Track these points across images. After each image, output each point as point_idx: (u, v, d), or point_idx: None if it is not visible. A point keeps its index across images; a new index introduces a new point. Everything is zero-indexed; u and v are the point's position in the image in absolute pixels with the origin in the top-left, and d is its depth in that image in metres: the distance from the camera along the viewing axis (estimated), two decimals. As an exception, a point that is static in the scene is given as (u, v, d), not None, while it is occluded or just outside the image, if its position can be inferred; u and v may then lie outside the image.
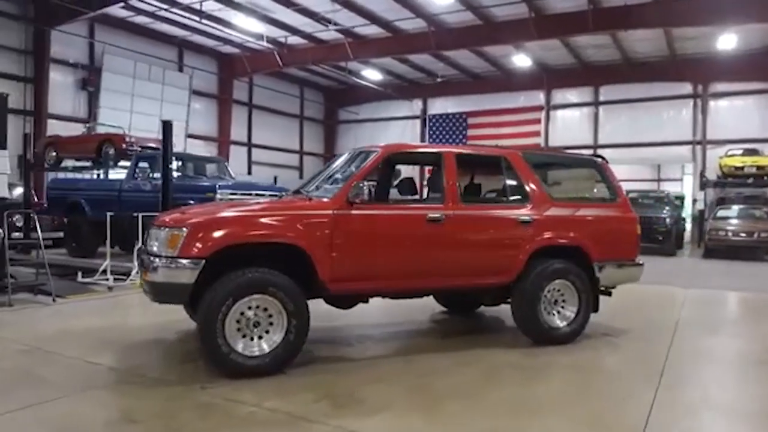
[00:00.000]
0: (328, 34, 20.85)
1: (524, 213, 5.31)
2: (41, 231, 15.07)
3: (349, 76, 24.49)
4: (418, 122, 28.76)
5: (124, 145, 13.89)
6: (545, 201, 5.44)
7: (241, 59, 23.60)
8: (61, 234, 13.25)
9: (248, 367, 4.17)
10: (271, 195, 9.84)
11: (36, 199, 16.14)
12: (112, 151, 14.39)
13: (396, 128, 29.04)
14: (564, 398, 3.99)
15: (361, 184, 4.53)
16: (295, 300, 4.29)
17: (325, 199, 4.64)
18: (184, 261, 4.07)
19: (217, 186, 10.23)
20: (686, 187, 25.31)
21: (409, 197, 5.74)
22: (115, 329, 5.62)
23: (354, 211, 4.60)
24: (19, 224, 12.45)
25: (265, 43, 20.80)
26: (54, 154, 16.91)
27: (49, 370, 4.36)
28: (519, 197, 5.42)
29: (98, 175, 15.75)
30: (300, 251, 4.37)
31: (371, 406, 3.73)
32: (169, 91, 22.21)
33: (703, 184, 19.40)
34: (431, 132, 28.09)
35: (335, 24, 19.23)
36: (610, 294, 5.99)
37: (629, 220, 5.87)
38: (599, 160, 6.01)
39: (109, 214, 9.08)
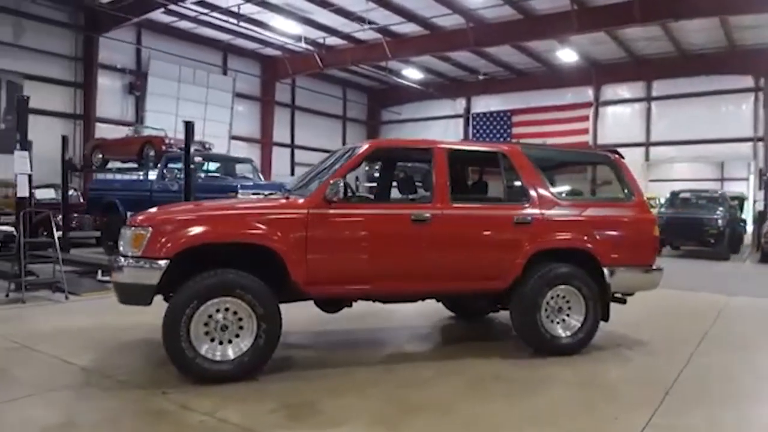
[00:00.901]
0: (366, 34, 20.75)
1: (523, 213, 4.93)
2: (84, 230, 15.75)
3: (389, 75, 24.31)
4: (461, 121, 28.27)
5: (163, 147, 14.25)
6: (548, 200, 5.04)
7: (283, 61, 23.86)
8: (99, 233, 13.72)
9: (214, 372, 4.01)
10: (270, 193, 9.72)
11: (82, 199, 16.80)
12: (152, 153, 14.76)
13: (438, 128, 28.64)
14: (546, 416, 3.62)
15: (340, 182, 4.31)
16: (264, 303, 4.11)
17: (301, 199, 4.44)
18: (148, 261, 3.96)
19: (239, 186, 10.24)
20: (751, 186, 23.71)
21: (407, 196, 5.46)
22: (108, 329, 5.61)
23: (331, 211, 4.37)
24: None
25: (303, 45, 20.92)
26: (100, 156, 17.62)
27: (24, 368, 4.36)
28: (518, 196, 5.04)
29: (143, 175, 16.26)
30: (271, 252, 4.18)
31: (329, 418, 3.49)
32: (213, 94, 22.69)
33: (765, 184, 18.04)
34: (475, 131, 27.57)
35: (371, 23, 19.09)
36: (624, 302, 5.51)
37: (645, 221, 5.37)
38: (612, 155, 5.53)
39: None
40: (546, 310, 4.98)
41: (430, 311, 6.32)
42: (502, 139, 26.63)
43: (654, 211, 10.13)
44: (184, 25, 20.63)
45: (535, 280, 4.87)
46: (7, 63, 17.42)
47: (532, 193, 5.01)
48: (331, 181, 4.34)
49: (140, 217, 4.21)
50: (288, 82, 25.79)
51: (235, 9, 18.21)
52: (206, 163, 12.03)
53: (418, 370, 4.50)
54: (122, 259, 4.05)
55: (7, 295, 7.11)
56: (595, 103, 24.60)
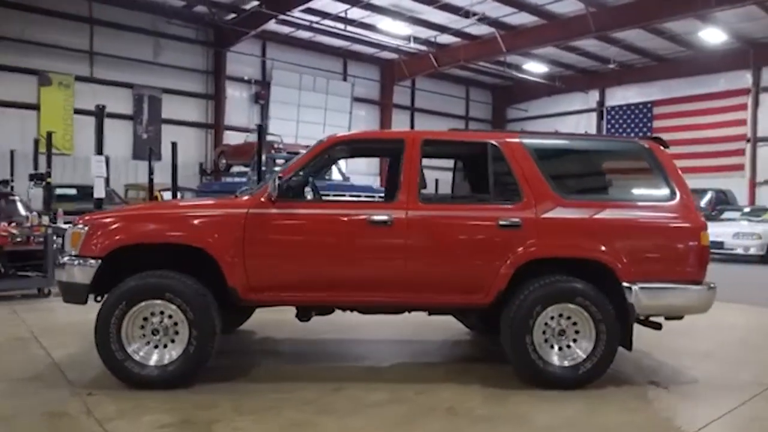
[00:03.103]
0: (479, 29, 19.91)
1: (510, 215, 4.10)
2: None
3: (508, 70, 23.11)
4: (594, 116, 25.98)
5: (272, 151, 15.00)
6: (547, 199, 4.14)
7: (399, 64, 23.84)
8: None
9: (141, 377, 3.85)
10: (367, 196, 9.58)
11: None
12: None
13: (569, 124, 26.59)
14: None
15: (276, 180, 3.92)
16: (195, 309, 3.86)
17: (245, 197, 4.13)
18: (82, 260, 3.92)
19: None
20: None
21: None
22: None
23: (273, 211, 4.00)
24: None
25: (413, 44, 20.71)
26: (224, 161, 19.13)
27: (7, 359, 4.59)
28: (508, 194, 4.21)
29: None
30: (207, 255, 3.93)
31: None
32: (333, 100, 23.41)
33: None
34: (610, 125, 25.16)
35: (481, 17, 18.22)
36: (658, 327, 4.39)
37: (689, 225, 4.19)
38: (648, 144, 4.41)
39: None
40: (545, 332, 4.10)
41: (446, 325, 5.63)
42: (640, 135, 24.00)
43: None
44: (303, 34, 21.50)
45: (523, 296, 4.03)
46: (147, 79, 19.54)
47: (526, 190, 4.15)
48: (275, 179, 3.98)
49: (84, 217, 4.20)
50: (407, 84, 25.72)
51: (342, 15, 18.54)
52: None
53: (368, 393, 3.93)
54: (63, 257, 4.07)
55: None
56: (755, 88, 21.03)
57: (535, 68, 23.67)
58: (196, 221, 3.98)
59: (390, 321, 5.00)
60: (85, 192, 13.56)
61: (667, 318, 4.41)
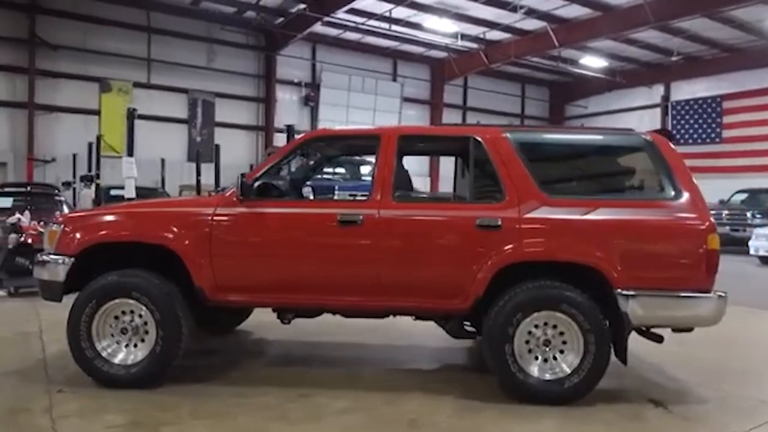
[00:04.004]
0: (529, 23, 19.26)
1: (490, 214, 3.80)
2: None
3: (563, 65, 22.21)
4: (658, 111, 24.54)
5: (312, 153, 15.08)
6: (531, 198, 3.80)
7: (449, 62, 23.46)
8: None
9: (108, 376, 3.85)
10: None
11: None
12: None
13: (631, 120, 25.22)
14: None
15: (254, 178, 3.84)
16: (162, 308, 3.82)
17: (217, 196, 4.06)
18: (56, 258, 3.98)
19: (336, 187, 10.21)
20: None
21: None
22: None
23: (240, 209, 3.91)
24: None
25: (461, 42, 20.29)
26: (272, 163, 19.48)
27: (3, 354, 4.75)
28: (489, 193, 3.92)
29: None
30: (174, 254, 3.88)
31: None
32: (382, 101, 23.34)
33: None
34: (675, 122, 23.73)
35: (530, 10, 17.61)
36: (659, 340, 3.95)
37: (695, 228, 3.74)
38: (651, 137, 3.97)
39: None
40: (529, 342, 3.78)
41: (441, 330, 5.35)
42: (709, 130, 22.50)
43: None
44: (351, 36, 21.58)
45: (502, 303, 3.72)
46: (201, 84, 20.19)
47: (509, 189, 3.83)
48: (244, 177, 3.89)
49: (63, 216, 4.25)
50: (459, 83, 25.28)
51: (387, 14, 18.43)
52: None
53: (334, 400, 3.75)
54: (42, 255, 4.14)
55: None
56: (841, 78, 19.18)
57: (593, 63, 22.65)
58: (163, 220, 3.95)
59: (386, 324, 4.79)
60: (139, 193, 14.18)
61: (674, 330, 3.98)
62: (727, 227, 15.45)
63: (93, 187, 12.49)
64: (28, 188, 12.45)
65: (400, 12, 18.38)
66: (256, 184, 3.91)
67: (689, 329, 3.96)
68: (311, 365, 4.65)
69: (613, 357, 3.75)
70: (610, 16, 17.77)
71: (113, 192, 14.80)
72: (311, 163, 5.17)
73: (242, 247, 3.91)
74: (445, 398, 3.82)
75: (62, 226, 4.03)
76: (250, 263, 3.91)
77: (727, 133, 22.06)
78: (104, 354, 3.89)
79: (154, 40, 19.35)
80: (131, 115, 8.72)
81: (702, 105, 22.91)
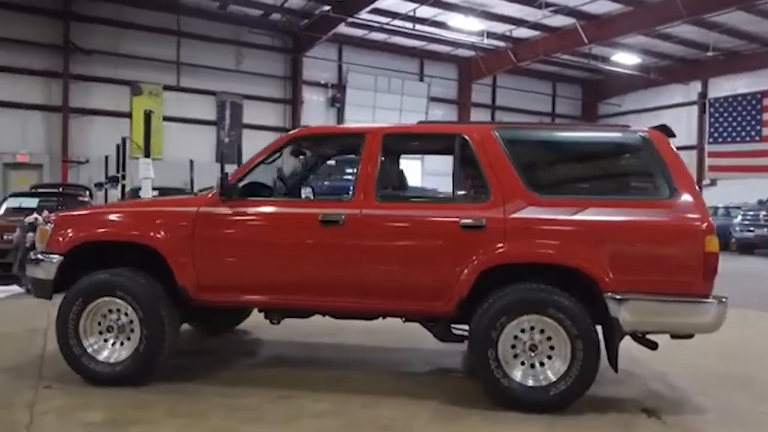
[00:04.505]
0: (557, 20, 18.89)
1: (474, 214, 3.68)
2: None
3: (594, 62, 21.69)
4: (695, 108, 23.72)
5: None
6: (518, 197, 3.66)
7: (477, 61, 23.20)
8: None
9: (95, 373, 3.89)
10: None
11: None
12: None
13: (667, 118, 24.32)
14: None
15: (237, 177, 3.82)
16: (145, 307, 3.84)
17: (202, 196, 4.06)
18: (47, 256, 4.04)
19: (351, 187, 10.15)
20: None
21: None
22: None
23: (222, 209, 3.89)
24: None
25: (488, 40, 20.03)
26: (296, 163, 19.63)
27: (5, 349, 4.87)
28: (476, 192, 3.80)
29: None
30: (158, 254, 3.90)
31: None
32: (408, 101, 23.24)
33: None
34: (713, 119, 22.92)
35: (557, 8, 17.25)
36: (654, 347, 3.76)
37: (690, 229, 3.53)
38: (647, 134, 3.78)
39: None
40: (515, 347, 3.65)
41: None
42: (748, 128, 21.63)
43: None
44: (378, 36, 21.58)
45: (486, 306, 3.60)
46: (229, 86, 20.50)
47: (495, 188, 3.70)
48: (225, 176, 3.88)
49: (54, 215, 4.32)
50: (487, 82, 24.99)
51: (411, 14, 18.35)
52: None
53: (314, 402, 3.69)
54: (35, 254, 4.22)
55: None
56: None
57: (625, 59, 22.06)
58: (147, 219, 3.97)
59: (386, 325, 4.71)
60: (168, 193, 14.49)
61: (672, 337, 3.78)
62: (765, 229, 14.79)
63: (119, 187, 12.84)
64: (60, 189, 12.90)
65: (425, 11, 18.27)
66: (240, 184, 3.90)
67: (688, 336, 3.76)
68: (301, 366, 4.62)
69: (603, 362, 3.59)
70: (640, 11, 17.26)
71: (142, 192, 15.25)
72: (308, 163, 5.14)
73: (223, 246, 3.89)
74: (427, 403, 3.72)
75: (53, 225, 4.10)
76: (231, 263, 3.89)
77: (767, 131, 21.16)
78: (91, 351, 3.93)
79: (184, 44, 19.74)
80: (148, 117, 8.89)
81: (741, 102, 22.04)
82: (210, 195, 3.98)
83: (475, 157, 3.81)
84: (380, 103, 22.76)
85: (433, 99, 23.83)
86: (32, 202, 9.38)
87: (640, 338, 3.81)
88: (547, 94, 26.87)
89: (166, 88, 19.56)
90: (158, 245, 3.88)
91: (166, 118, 19.56)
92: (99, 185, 16.44)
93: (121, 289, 3.87)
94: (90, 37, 18.18)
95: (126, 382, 3.86)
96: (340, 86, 22.49)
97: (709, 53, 20.33)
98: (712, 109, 22.91)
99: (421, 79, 23.94)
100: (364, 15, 17.98)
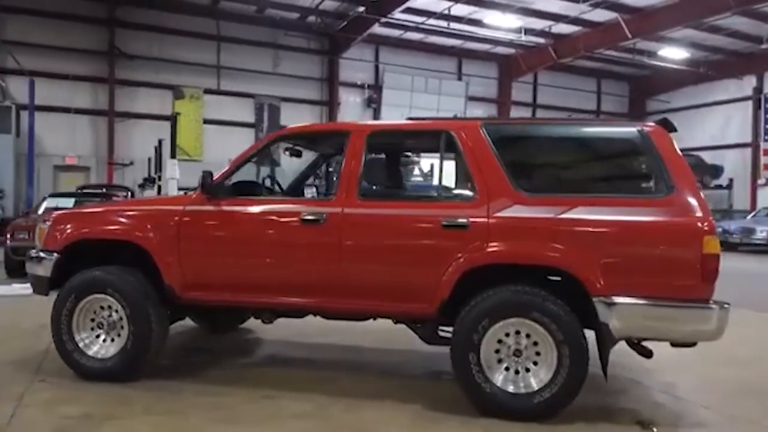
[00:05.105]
0: (598, 14, 18.29)
1: (457, 213, 3.54)
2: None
3: (639, 57, 20.89)
4: (750, 104, 22.49)
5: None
6: (503, 196, 3.50)
7: (516, 59, 22.74)
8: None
9: (85, 368, 3.95)
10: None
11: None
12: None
13: (718, 115, 23.48)
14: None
15: (222, 176, 3.83)
16: (131, 304, 3.88)
17: (193, 195, 4.08)
18: (44, 254, 4.15)
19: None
20: None
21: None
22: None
23: (206, 208, 3.90)
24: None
25: (526, 37, 19.58)
26: (331, 164, 19.76)
27: (14, 344, 5.03)
28: (461, 190, 3.66)
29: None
30: (145, 252, 3.94)
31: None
32: (445, 101, 23.01)
33: None
34: (769, 116, 21.63)
35: (596, 1, 16.68)
36: (649, 355, 3.53)
37: (687, 229, 3.28)
38: (644, 128, 3.53)
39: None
40: (499, 351, 3.49)
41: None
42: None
43: None
44: (414, 36, 21.47)
45: (468, 308, 3.46)
46: (267, 89, 20.83)
47: (480, 186, 3.56)
48: (207, 175, 3.89)
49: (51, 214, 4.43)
50: (528, 80, 24.47)
51: (446, 12, 18.15)
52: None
53: (296, 403, 3.63)
54: (34, 251, 4.35)
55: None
56: None
57: (673, 54, 21.15)
58: (136, 218, 4.01)
59: (385, 327, 4.62)
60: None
61: (673, 345, 3.54)
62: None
63: (155, 188, 13.26)
64: (103, 189, 13.42)
65: (460, 9, 18.05)
66: (228, 182, 3.91)
67: (691, 344, 3.51)
68: (294, 366, 4.58)
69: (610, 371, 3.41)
70: (685, 3, 16.49)
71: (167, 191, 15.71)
72: (311, 162, 5.13)
73: (206, 245, 3.90)
74: (409, 407, 3.61)
75: (50, 223, 4.21)
76: (214, 262, 3.89)
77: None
78: (82, 347, 4.01)
79: (223, 48, 20.18)
80: (174, 120, 9.09)
81: (801, 96, 20.75)
82: (195, 194, 4.00)
83: (461, 154, 3.68)
84: (417, 103, 22.61)
85: (472, 98, 23.52)
86: (68, 203, 9.74)
87: (636, 345, 3.59)
88: (591, 91, 26.07)
89: (207, 91, 20.05)
90: (145, 243, 3.92)
91: (206, 121, 20.08)
92: (142, 186, 17.04)
93: (111, 286, 3.92)
94: (134, 43, 18.83)
95: (115, 378, 3.92)
96: (376, 87, 22.49)
97: (764, 45, 19.21)
98: (767, 105, 21.69)
99: (460, 78, 23.68)
100: (399, 15, 17.90)
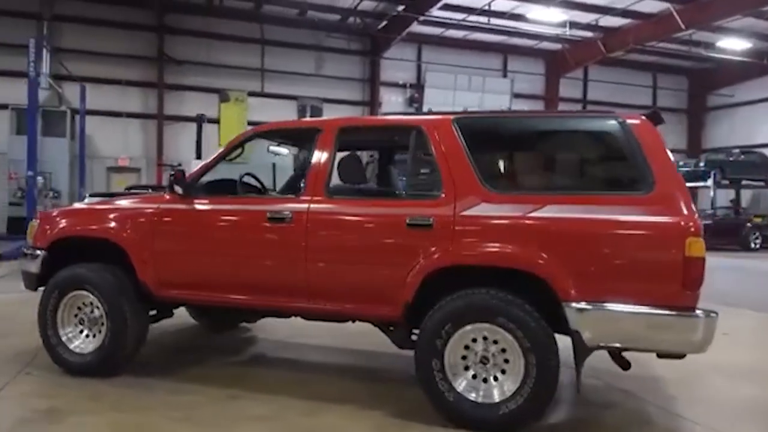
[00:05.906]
0: (648, 5, 17.41)
1: (421, 212, 3.38)
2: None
3: (696, 49, 19.73)
4: (821, 98, 20.84)
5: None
6: (471, 193, 3.31)
7: (563, 54, 21.98)
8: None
9: (70, 362, 4.05)
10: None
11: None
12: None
13: (787, 109, 21.84)
14: None
15: (194, 175, 3.85)
16: (108, 300, 3.94)
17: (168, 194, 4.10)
18: (33, 251, 4.28)
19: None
20: None
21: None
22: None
23: (179, 206, 3.91)
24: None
25: (572, 31, 18.88)
26: (374, 164, 19.75)
27: (18, 340, 5.18)
28: (425, 187, 3.49)
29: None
30: (122, 249, 3.99)
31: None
32: (489, 98, 22.51)
33: None
34: None
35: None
36: (626, 367, 3.24)
37: (669, 229, 3.00)
38: (626, 120, 3.24)
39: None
40: (466, 358, 3.31)
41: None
42: None
43: None
44: (456, 34, 21.13)
45: (431, 312, 3.29)
46: (310, 90, 21.02)
47: (447, 183, 3.38)
48: (181, 172, 3.90)
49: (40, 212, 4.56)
50: (578, 76, 23.59)
51: (486, 8, 17.76)
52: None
53: (259, 405, 3.58)
54: (23, 248, 4.49)
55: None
56: None
57: (734, 45, 19.84)
58: (116, 217, 4.06)
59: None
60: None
61: (660, 356, 3.25)
62: None
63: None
64: (149, 190, 13.92)
65: (502, 4, 17.61)
66: (203, 180, 3.91)
67: (679, 356, 3.20)
68: (273, 367, 4.55)
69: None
70: (744, -11, 15.44)
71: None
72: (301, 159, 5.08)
73: (178, 243, 3.92)
74: (371, 413, 3.48)
75: (38, 221, 4.34)
76: (184, 260, 3.91)
77: None
78: (65, 341, 4.11)
79: (267, 51, 20.53)
80: (200, 121, 9.29)
81: None
82: (168, 194, 4.01)
83: (430, 149, 3.51)
84: (460, 102, 22.20)
85: (518, 95, 22.90)
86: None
87: (616, 356, 3.31)
88: (646, 86, 24.86)
89: (251, 94, 20.40)
90: (121, 241, 3.97)
91: (250, 123, 20.42)
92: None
93: (89, 283, 4.00)
94: (181, 48, 19.44)
95: (93, 373, 4.00)
96: (418, 86, 22.28)
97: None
98: (843, 97, 20.00)
99: (504, 75, 23.14)
100: (439, 12, 17.66)
